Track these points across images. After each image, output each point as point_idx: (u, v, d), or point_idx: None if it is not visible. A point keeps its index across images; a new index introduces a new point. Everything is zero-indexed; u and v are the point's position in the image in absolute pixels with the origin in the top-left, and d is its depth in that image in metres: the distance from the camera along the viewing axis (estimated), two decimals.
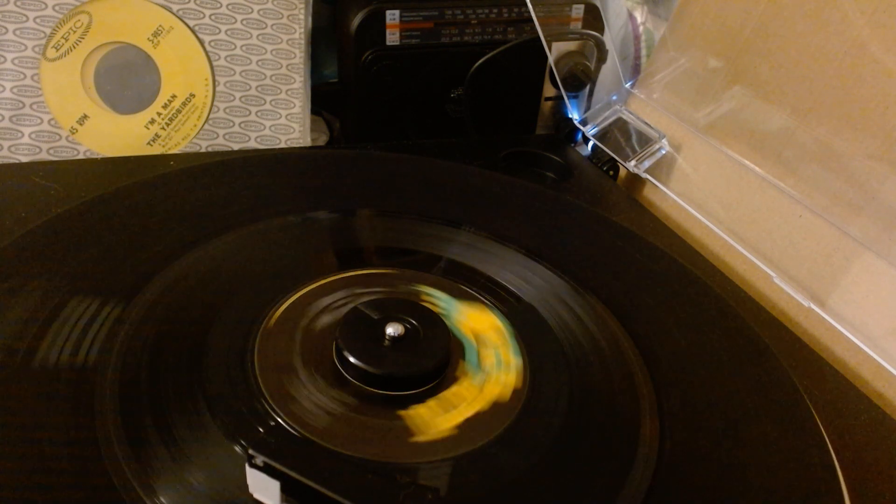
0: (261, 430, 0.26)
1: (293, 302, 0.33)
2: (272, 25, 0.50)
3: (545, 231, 0.42)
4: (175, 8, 0.49)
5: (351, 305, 0.32)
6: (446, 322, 0.32)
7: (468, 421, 0.29)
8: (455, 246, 0.39)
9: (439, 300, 0.35)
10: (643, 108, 0.53)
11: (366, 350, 0.29)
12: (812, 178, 0.40)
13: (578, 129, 0.55)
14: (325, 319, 0.32)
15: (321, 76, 0.60)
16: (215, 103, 0.51)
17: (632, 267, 0.40)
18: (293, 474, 0.21)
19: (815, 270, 0.39)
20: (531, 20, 0.53)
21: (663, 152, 0.50)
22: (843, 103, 0.38)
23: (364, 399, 0.29)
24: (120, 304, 0.31)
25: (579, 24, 0.55)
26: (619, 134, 0.53)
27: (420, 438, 0.27)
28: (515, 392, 0.30)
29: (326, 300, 0.33)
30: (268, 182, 0.44)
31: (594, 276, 0.38)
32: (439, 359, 0.30)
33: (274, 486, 0.22)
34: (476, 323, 0.34)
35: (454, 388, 0.30)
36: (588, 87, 0.55)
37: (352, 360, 0.29)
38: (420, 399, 0.29)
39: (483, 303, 0.35)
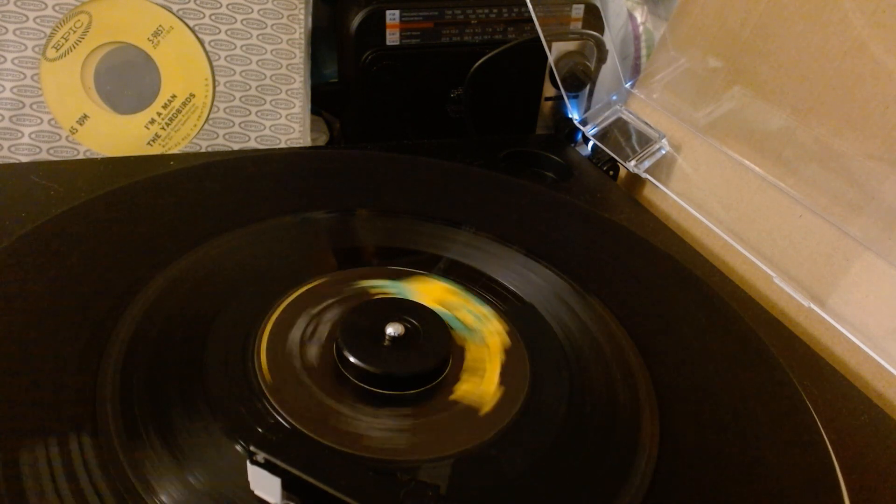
0: (259, 429, 0.26)
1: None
2: (272, 25, 0.50)
3: (545, 231, 0.42)
4: (175, 8, 0.49)
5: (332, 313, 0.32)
6: (427, 304, 0.33)
7: (502, 375, 0.30)
8: (455, 246, 0.39)
9: (387, 287, 0.35)
10: (643, 108, 0.53)
11: (372, 354, 0.29)
12: (812, 178, 0.40)
13: (578, 129, 0.55)
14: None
15: (321, 76, 0.60)
16: (215, 103, 0.51)
17: (632, 267, 0.40)
18: (294, 471, 0.21)
19: (815, 270, 0.39)
20: (531, 20, 0.53)
21: (663, 152, 0.50)
22: (843, 103, 0.38)
23: (410, 402, 0.29)
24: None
25: (579, 24, 0.55)
26: (619, 134, 0.53)
27: (486, 409, 0.29)
28: (509, 333, 0.33)
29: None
30: (267, 182, 0.44)
31: (594, 276, 0.38)
32: (447, 339, 0.31)
33: (275, 482, 0.22)
34: (430, 293, 0.35)
35: (469, 356, 0.31)
36: (588, 87, 0.55)
37: (392, 371, 0.29)
38: (457, 378, 0.30)
39: (420, 274, 0.36)
